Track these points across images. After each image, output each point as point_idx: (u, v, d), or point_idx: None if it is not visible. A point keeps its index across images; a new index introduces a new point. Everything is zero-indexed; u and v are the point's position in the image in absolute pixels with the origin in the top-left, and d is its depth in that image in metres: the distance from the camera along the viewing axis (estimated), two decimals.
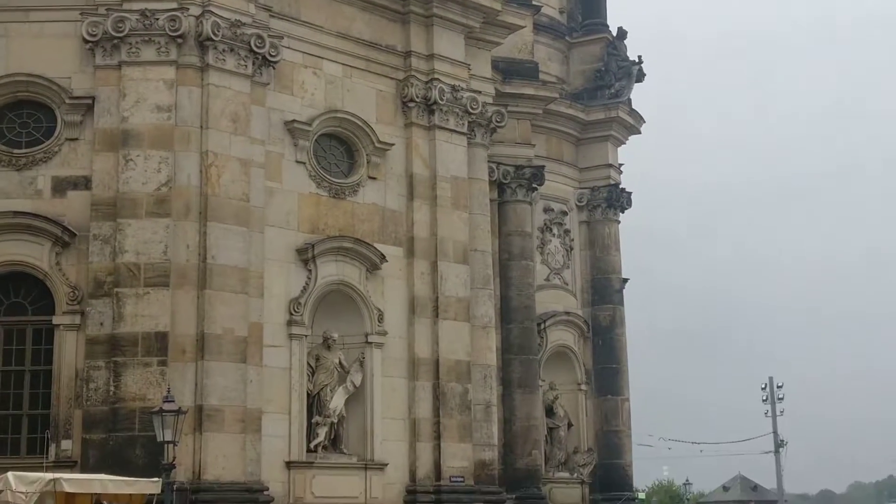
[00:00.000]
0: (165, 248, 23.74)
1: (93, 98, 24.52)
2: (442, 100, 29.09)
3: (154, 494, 19.73)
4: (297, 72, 26.96)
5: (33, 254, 24.07)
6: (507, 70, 34.02)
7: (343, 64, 27.95)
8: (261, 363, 24.80)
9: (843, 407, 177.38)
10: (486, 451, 29.66)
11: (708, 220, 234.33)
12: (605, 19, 41.19)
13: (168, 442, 20.99)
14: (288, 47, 26.51)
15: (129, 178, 23.96)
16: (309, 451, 25.81)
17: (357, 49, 28.23)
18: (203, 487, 23.05)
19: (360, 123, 27.78)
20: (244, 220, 24.78)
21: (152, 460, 21.63)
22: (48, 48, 24.79)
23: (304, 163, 26.76)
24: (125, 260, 23.59)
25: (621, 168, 40.40)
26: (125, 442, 22.75)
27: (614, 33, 40.50)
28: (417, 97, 28.90)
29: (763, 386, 62.27)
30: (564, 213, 38.43)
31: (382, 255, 27.54)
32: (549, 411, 36.57)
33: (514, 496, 31.55)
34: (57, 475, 17.59)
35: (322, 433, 26.10)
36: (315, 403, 26.25)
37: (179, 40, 24.48)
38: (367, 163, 27.96)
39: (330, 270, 26.71)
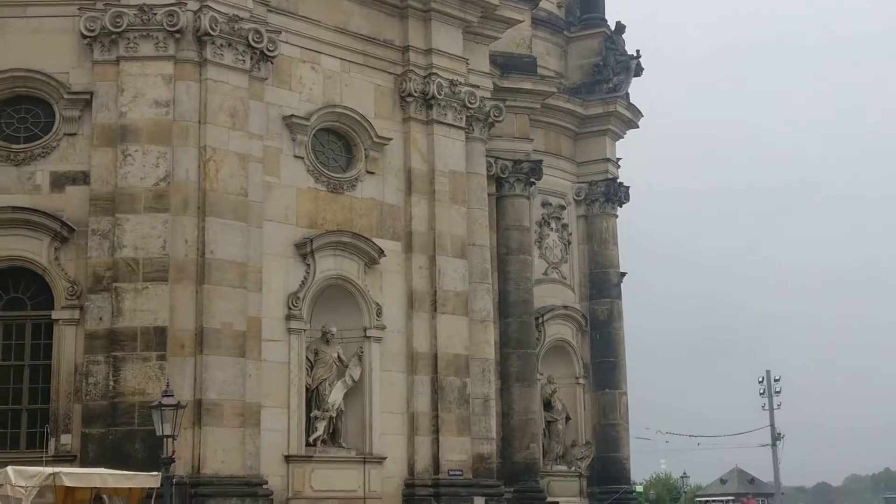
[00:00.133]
0: (164, 243, 23.76)
1: (91, 93, 24.52)
2: (440, 94, 29.08)
3: (153, 488, 19.78)
4: (295, 66, 26.96)
5: (32, 249, 24.09)
6: (505, 64, 34.06)
7: (341, 59, 27.94)
8: (259, 357, 24.83)
9: (839, 407, 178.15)
10: (484, 444, 29.74)
11: (705, 224, 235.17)
12: (604, 13, 41.24)
13: (167, 436, 21.12)
14: (286, 42, 26.49)
15: (128, 173, 23.96)
16: (308, 445, 25.88)
17: (355, 44, 28.22)
18: (202, 481, 23.10)
19: (358, 118, 27.79)
20: (242, 214, 24.79)
21: (151, 454, 21.69)
22: (46, 43, 24.78)
23: (303, 157, 26.77)
24: (124, 255, 23.61)
25: (619, 162, 40.49)
26: (124, 436, 22.79)
27: (612, 28, 40.59)
28: (415, 92, 28.90)
29: (760, 379, 62.35)
30: (562, 208, 38.50)
31: (381, 249, 27.56)
32: (547, 405, 36.69)
33: (512, 489, 31.62)
34: (56, 469, 17.63)
35: (321, 427, 26.16)
36: (314, 398, 26.31)
37: (177, 35, 24.44)
38: (366, 157, 27.97)
39: (328, 265, 26.74)
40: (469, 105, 29.96)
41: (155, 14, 24.29)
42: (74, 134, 24.59)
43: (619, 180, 39.83)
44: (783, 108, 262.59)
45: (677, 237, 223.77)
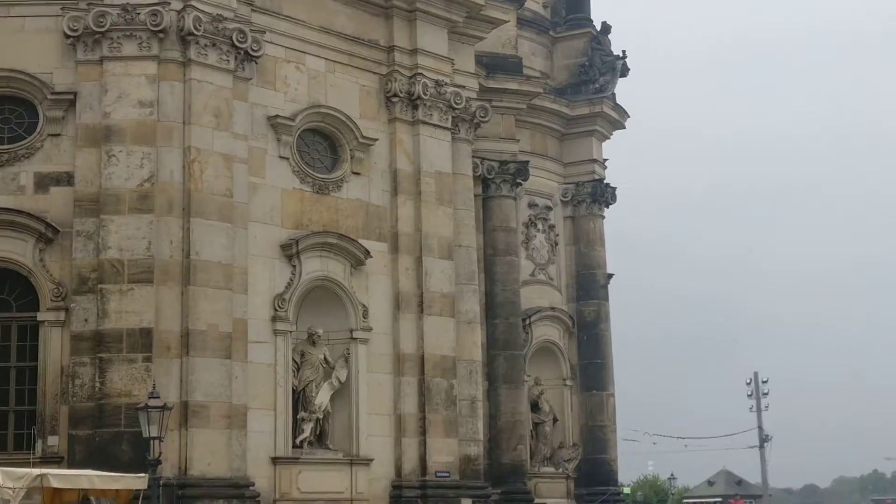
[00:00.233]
0: (149, 244, 23.78)
1: (75, 93, 24.53)
2: (425, 95, 29.16)
3: (140, 490, 19.80)
4: (279, 67, 27.00)
5: (17, 250, 24.07)
6: (491, 65, 34.16)
7: (326, 59, 27.98)
8: (245, 359, 24.88)
9: (829, 407, 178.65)
10: (471, 446, 29.85)
11: (702, 224, 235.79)
12: (590, 14, 41.30)
13: (154, 438, 21.13)
14: (270, 42, 26.51)
15: (112, 174, 23.97)
16: (294, 446, 25.94)
17: (340, 44, 28.28)
18: (189, 483, 23.17)
19: (343, 118, 27.85)
20: (227, 215, 24.82)
21: (138, 456, 21.72)
22: (29, 43, 24.80)
23: (288, 158, 26.82)
24: (109, 256, 23.64)
25: (605, 163, 40.60)
26: (111, 438, 22.85)
27: (598, 28, 40.67)
28: (401, 92, 28.95)
29: (748, 381, 62.58)
30: (549, 209, 38.56)
31: (367, 250, 27.63)
32: (535, 406, 36.76)
33: (499, 491, 31.73)
34: (44, 471, 17.63)
35: (307, 429, 26.23)
36: (300, 399, 26.37)
37: (161, 35, 24.44)
38: (351, 158, 28.04)
39: (314, 266, 26.80)
40: (455, 105, 30.04)
41: (138, 14, 24.28)
42: (58, 134, 24.59)
43: (605, 181, 39.91)
44: (780, 108, 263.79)
45: (673, 237, 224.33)
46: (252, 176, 25.87)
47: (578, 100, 39.27)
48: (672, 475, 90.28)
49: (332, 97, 27.94)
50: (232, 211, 24.97)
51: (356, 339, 27.35)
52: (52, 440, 23.29)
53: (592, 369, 38.82)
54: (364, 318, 27.49)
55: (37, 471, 17.51)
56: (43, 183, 24.41)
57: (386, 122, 29.02)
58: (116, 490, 19.00)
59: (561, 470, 37.36)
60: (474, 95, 31.35)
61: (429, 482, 27.77)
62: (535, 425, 36.77)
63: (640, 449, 69.71)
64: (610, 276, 40.32)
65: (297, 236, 26.42)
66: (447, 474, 28.19)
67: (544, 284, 38.02)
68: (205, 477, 23.50)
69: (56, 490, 17.69)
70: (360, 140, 28.09)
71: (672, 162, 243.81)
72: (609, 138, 40.79)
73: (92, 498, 19.18)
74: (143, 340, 23.40)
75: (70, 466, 21.67)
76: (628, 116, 40.79)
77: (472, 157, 32.33)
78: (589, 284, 39.28)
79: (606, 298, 39.80)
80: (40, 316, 24.03)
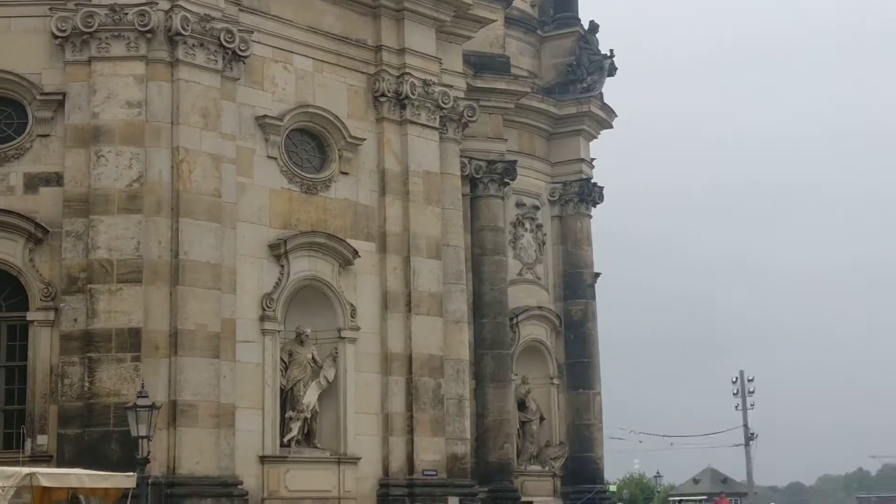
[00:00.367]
0: (138, 245, 23.83)
1: (63, 94, 24.56)
2: (413, 94, 29.24)
3: (129, 489, 19.87)
4: (267, 66, 27.05)
5: (6, 250, 24.10)
6: (479, 64, 34.23)
7: (314, 58, 28.03)
8: (234, 358, 24.95)
9: (815, 406, 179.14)
10: (458, 444, 29.96)
11: (696, 223, 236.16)
12: (577, 13, 41.31)
13: (142, 437, 21.26)
14: (258, 42, 26.56)
15: (101, 174, 24.02)
16: (282, 445, 26.04)
17: (327, 43, 28.34)
18: (177, 482, 23.26)
19: (331, 118, 27.92)
20: (216, 215, 24.88)
21: (127, 455, 21.82)
22: (17, 44, 24.83)
23: (276, 158, 26.89)
24: (98, 256, 23.69)
25: (593, 163, 40.67)
26: (100, 437, 22.93)
27: (586, 27, 40.72)
28: (389, 92, 29.04)
29: (734, 380, 62.76)
30: (536, 208, 38.62)
31: (355, 250, 27.73)
32: (522, 405, 36.88)
33: (486, 489, 31.86)
34: (33, 469, 17.66)
35: (295, 428, 26.33)
36: (288, 398, 26.47)
37: (149, 35, 24.49)
38: (339, 158, 28.12)
39: (302, 266, 26.89)
40: (443, 105, 30.13)
41: (126, 14, 24.32)
42: (47, 135, 24.62)
43: (593, 180, 39.99)
44: (780, 108, 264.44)
45: (672, 236, 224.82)
46: (240, 176, 25.92)
47: (566, 99, 39.31)
48: (658, 473, 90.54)
49: (320, 97, 28.01)
50: (220, 211, 25.03)
51: (344, 338, 27.45)
52: (42, 439, 23.37)
53: (579, 368, 38.92)
54: (352, 317, 27.60)
55: (26, 470, 17.55)
56: (32, 183, 24.45)
57: (374, 121, 29.10)
58: (105, 489, 19.06)
59: (547, 468, 37.51)
60: (462, 95, 31.45)
61: (416, 481, 27.89)
62: (522, 424, 36.90)
63: (626, 447, 70.00)
64: (597, 275, 40.42)
65: (285, 236, 26.50)
66: (434, 473, 28.32)
67: (532, 284, 38.12)
68: (193, 476, 23.59)
69: (45, 489, 17.73)
70: (348, 140, 28.18)
71: (672, 162, 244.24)
72: (596, 138, 40.86)
73: (81, 497, 19.25)
74: (131, 340, 23.46)
75: (59, 465, 21.70)
76: (616, 116, 40.86)
77: (460, 156, 32.41)
78: (576, 284, 39.37)
79: (593, 297, 39.89)
80: (30, 316, 24.10)
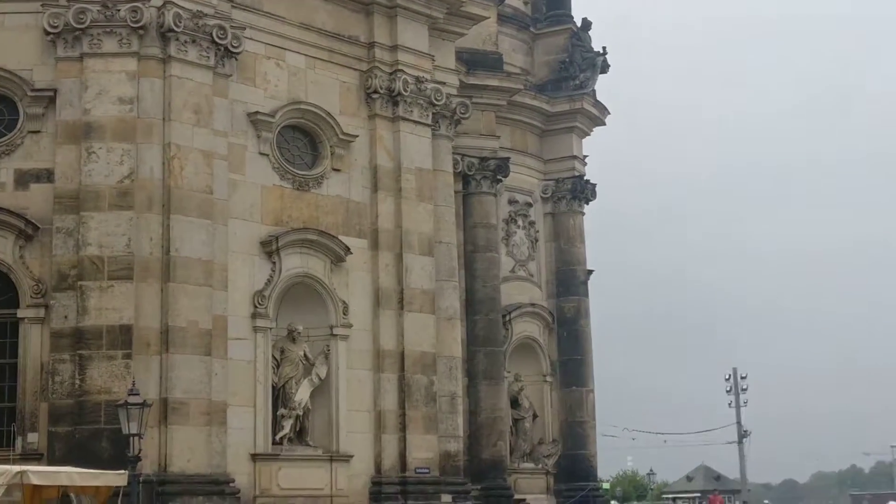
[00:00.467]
0: (129, 241, 23.79)
1: (55, 90, 24.49)
2: (406, 91, 29.20)
3: (120, 487, 19.84)
4: (259, 63, 26.99)
5: None
6: (472, 61, 34.19)
7: (306, 55, 27.97)
8: (225, 356, 24.91)
9: (814, 395, 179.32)
10: (451, 442, 29.93)
11: (681, 210, 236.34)
12: (570, 10, 41.26)
13: (133, 435, 21.22)
14: (250, 38, 26.49)
15: (92, 171, 23.97)
16: (274, 443, 26.00)
17: (320, 40, 28.28)
18: (169, 479, 23.21)
19: (323, 115, 27.87)
20: (207, 212, 24.83)
21: (118, 453, 21.75)
22: (9, 40, 24.76)
23: (268, 155, 26.82)
24: (89, 253, 23.64)
25: (586, 160, 40.66)
26: (91, 435, 22.87)
27: (579, 24, 40.72)
28: (381, 88, 28.98)
29: (727, 377, 62.83)
30: (529, 205, 38.60)
31: (347, 247, 27.68)
32: (514, 403, 36.83)
33: (479, 487, 31.83)
34: (24, 468, 17.64)
35: (287, 425, 26.29)
36: (280, 396, 26.41)
37: (141, 32, 24.44)
38: (331, 154, 28.06)
39: (294, 263, 26.84)
40: (435, 102, 30.10)
41: (118, 10, 24.28)
42: (38, 131, 24.55)
43: (585, 177, 39.98)
44: (758, 97, 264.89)
45: (673, 219, 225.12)
46: (232, 172, 25.88)
47: (558, 96, 39.29)
48: (651, 471, 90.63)
49: (313, 93, 27.94)
50: (212, 207, 24.98)
51: (336, 335, 27.40)
52: (32, 437, 23.29)
53: (572, 365, 38.90)
54: (344, 314, 27.56)
55: (17, 468, 17.53)
56: (23, 180, 24.38)
57: (366, 118, 29.04)
58: (96, 487, 19.05)
59: (540, 466, 37.49)
60: (455, 92, 31.41)
61: (409, 478, 27.87)
62: (515, 421, 36.86)
63: (619, 444, 70.02)
64: (590, 272, 40.42)
65: (276, 233, 26.46)
66: (427, 470, 28.29)
67: (524, 281, 38.12)
68: (184, 473, 23.55)
69: (36, 487, 17.71)
70: (341, 136, 28.13)
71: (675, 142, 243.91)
72: (589, 134, 40.86)
73: (72, 495, 19.23)
74: (122, 337, 23.41)
75: (50, 463, 21.66)
76: (608, 112, 40.84)
77: (453, 153, 32.36)
78: (569, 280, 39.35)
79: (586, 294, 39.86)
80: (20, 313, 24.02)
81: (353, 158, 28.56)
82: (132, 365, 23.28)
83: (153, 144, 24.51)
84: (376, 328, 28.26)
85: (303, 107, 27.67)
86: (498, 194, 36.16)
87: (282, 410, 26.32)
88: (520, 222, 38.20)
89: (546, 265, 39.16)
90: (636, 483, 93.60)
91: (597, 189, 40.46)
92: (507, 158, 35.94)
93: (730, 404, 61.31)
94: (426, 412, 28.63)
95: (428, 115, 29.98)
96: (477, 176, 34.99)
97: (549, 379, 38.31)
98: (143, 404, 21.37)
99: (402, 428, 28.11)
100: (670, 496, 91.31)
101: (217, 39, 25.33)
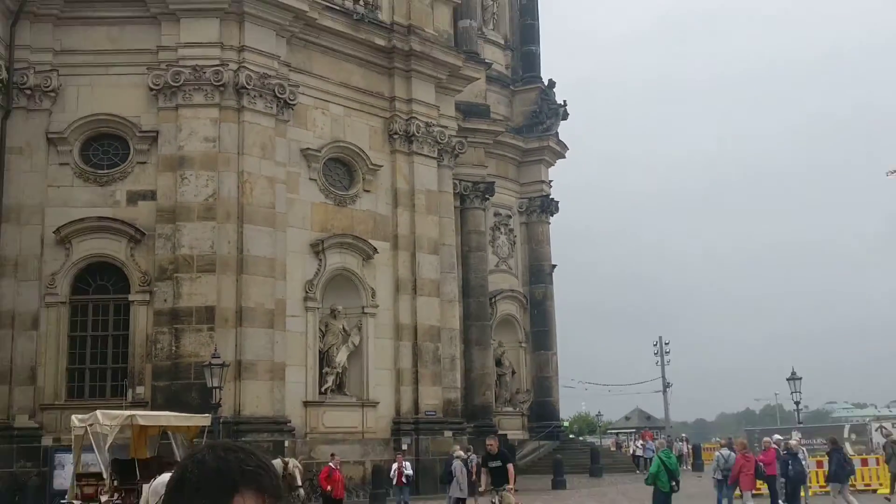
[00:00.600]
0: (212, 244, 23.62)
1: (157, 132, 24.31)
2: (418, 133, 28.99)
3: (205, 426, 19.64)
4: (309, 112, 26.80)
5: (113, 248, 23.91)
6: (467, 111, 34.08)
7: (344, 106, 27.77)
8: (284, 329, 24.73)
9: (716, 359, 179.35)
10: (451, 392, 29.73)
11: (626, 220, 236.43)
12: (540, 73, 41.39)
13: (215, 387, 21.19)
14: (303, 93, 26.34)
15: (185, 192, 23.81)
16: (320, 393, 25.83)
17: (354, 95, 28.08)
18: (242, 421, 23.10)
19: (357, 150, 27.68)
20: (271, 222, 24.67)
21: (204, 401, 21.61)
22: (123, 95, 24.58)
23: (316, 180, 26.63)
24: (182, 252, 23.48)
25: (551, 183, 40.67)
26: (184, 387, 22.72)
27: (546, 83, 40.73)
28: (400, 131, 28.76)
29: (655, 343, 62.62)
30: (509, 217, 38.65)
31: (374, 248, 27.47)
32: (498, 362, 36.84)
33: (472, 425, 31.66)
34: (133, 412, 17.46)
35: (330, 380, 26.10)
36: (324, 358, 26.23)
37: (221, 88, 24.27)
38: (363, 179, 27.86)
39: (335, 260, 26.64)
40: (440, 141, 29.89)
41: (205, 72, 24.15)
42: (144, 162, 24.38)
43: (551, 196, 40.02)
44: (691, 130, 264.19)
45: (629, 229, 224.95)
46: (289, 193, 25.69)
47: (531, 137, 39.44)
48: (599, 412, 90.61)
49: (349, 134, 27.74)
50: (274, 219, 24.80)
51: (366, 313, 27.19)
52: (140, 390, 23.17)
53: (541, 335, 38.92)
54: (372, 298, 27.34)
55: (128, 412, 17.34)
56: (133, 198, 24.21)
57: (389, 153, 28.81)
58: (188, 427, 18.77)
59: (518, 409, 37.44)
60: (454, 133, 31.23)
61: (420, 419, 27.68)
62: (499, 376, 36.82)
63: (575, 393, 69.95)
64: (554, 266, 40.33)
65: (322, 237, 26.24)
66: (434, 413, 28.10)
67: (505, 273, 38.07)
68: (254, 416, 23.43)
69: (142, 427, 17.45)
70: (370, 166, 27.91)
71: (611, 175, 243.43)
72: (553, 165, 40.89)
73: (169, 433, 18.94)
74: (207, 315, 23.27)
75: (153, 409, 21.45)
76: (567, 149, 40.95)
77: (453, 179, 32.17)
78: (538, 272, 39.36)
79: (551, 283, 39.93)
80: (131, 297, 23.88)
81: (379, 182, 28.32)
82: (214, 335, 23.10)
83: (230, 172, 24.29)
84: (396, 308, 28.01)
85: (342, 144, 27.44)
86: (486, 209, 36.13)
87: (326, 369, 26.12)
88: (502, 230, 38.20)
89: (521, 261, 39.14)
90: (588, 421, 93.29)
91: (559, 205, 40.48)
92: (493, 182, 35.88)
93: (656, 363, 61.01)
94: (433, 370, 28.41)
95: (434, 151, 29.75)
96: (470, 195, 34.90)
97: (523, 345, 38.26)
98: (223, 365, 21.24)
99: (415, 381, 27.89)
100: (613, 431, 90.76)
101: (278, 94, 25.14)
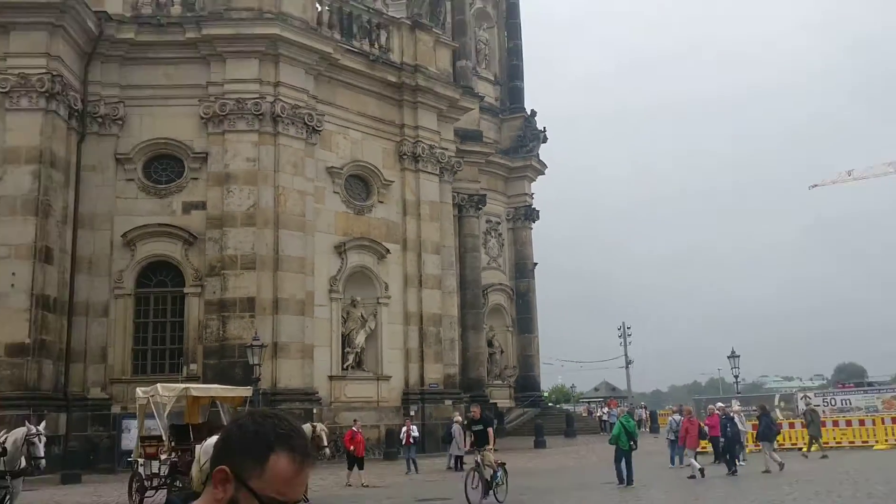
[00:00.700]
0: (253, 246, 23.55)
1: (206, 153, 24.25)
2: (423, 154, 28.90)
3: (247, 397, 19.50)
4: (333, 136, 26.70)
5: (170, 250, 23.86)
6: (464, 135, 33.95)
7: (361, 132, 27.69)
8: (313, 315, 24.64)
9: (670, 340, 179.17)
10: (451, 368, 29.65)
11: (596, 226, 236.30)
12: (524, 104, 41.37)
13: (255, 364, 21.05)
14: (328, 121, 26.24)
15: (230, 203, 23.74)
16: (343, 369, 25.76)
17: (370, 122, 28.00)
18: (278, 392, 23.03)
19: (373, 168, 27.60)
20: (301, 228, 24.59)
21: (246, 376, 21.41)
22: (178, 122, 24.50)
23: (339, 193, 26.54)
24: (228, 253, 23.41)
25: (533, 195, 40.63)
26: (229, 365, 22.63)
27: (529, 112, 40.72)
28: (408, 152, 28.67)
29: (619, 327, 62.60)
30: (498, 223, 38.62)
31: (387, 249, 27.38)
32: (489, 343, 36.80)
33: (468, 395, 31.55)
34: (188, 385, 17.33)
35: (350, 358, 26.04)
36: (346, 340, 26.15)
37: (260, 117, 24.22)
38: (378, 192, 27.76)
39: (355, 259, 26.55)
40: (441, 160, 29.78)
41: (246, 104, 24.09)
42: (196, 178, 24.29)
43: (533, 206, 40.02)
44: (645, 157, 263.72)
45: (586, 233, 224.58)
46: (316, 203, 25.60)
47: (516, 157, 39.39)
48: (573, 385, 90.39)
49: (366, 155, 27.64)
50: (304, 225, 24.72)
51: (381, 303, 27.10)
52: (193, 366, 23.11)
53: (525, 321, 38.87)
54: (385, 290, 27.24)
55: (182, 385, 17.19)
56: (187, 208, 24.12)
57: (399, 170, 28.71)
58: (233, 397, 18.63)
59: (506, 382, 37.38)
60: (453, 154, 31.11)
61: (425, 390, 27.58)
62: (490, 355, 36.77)
63: (553, 369, 69.99)
64: (535, 264, 40.30)
65: (344, 240, 26.16)
66: (436, 385, 28.01)
67: (495, 269, 38.02)
68: (288, 388, 23.35)
69: (195, 398, 17.28)
70: (383, 181, 27.82)
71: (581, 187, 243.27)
72: (535, 181, 40.87)
73: (217, 402, 18.83)
74: (248, 305, 23.19)
75: (204, 383, 21.34)
76: (546, 167, 40.97)
77: (452, 191, 32.07)
78: (523, 269, 39.30)
79: (533, 278, 39.89)
80: (185, 290, 23.82)
81: (391, 195, 28.23)
82: (255, 322, 23.02)
83: (268, 186, 24.21)
84: (405, 299, 27.91)
85: (360, 163, 27.35)
86: (479, 217, 36.09)
87: (347, 349, 26.05)
88: (493, 234, 38.17)
89: (509, 260, 39.09)
90: (564, 392, 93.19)
91: (540, 213, 40.44)
92: (485, 195, 35.85)
93: (620, 344, 60.95)
94: (436, 350, 28.31)
95: (437, 169, 29.65)
96: (466, 206, 34.84)
97: (510, 329, 38.20)
98: (262, 346, 21.15)
99: (421, 359, 27.79)
100: (585, 400, 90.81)
101: (307, 122, 25.07)
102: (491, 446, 14.02)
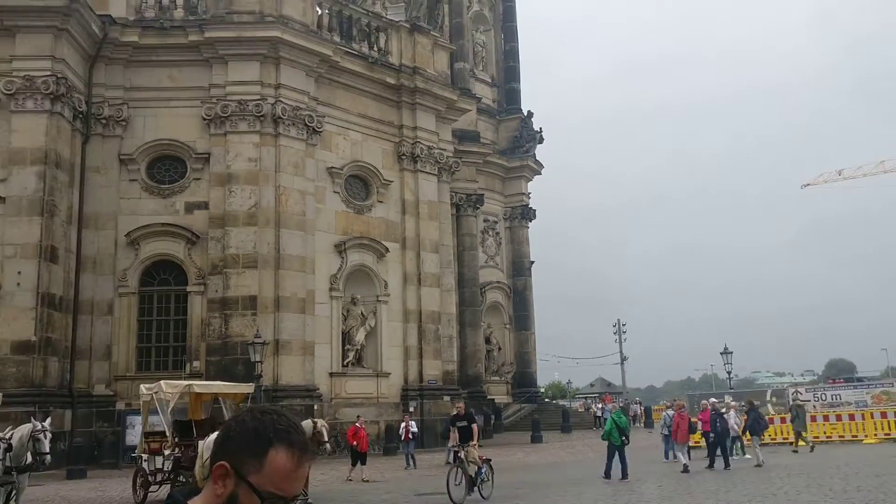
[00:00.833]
0: (254, 245, 23.51)
1: (209, 154, 24.21)
2: (422, 154, 28.86)
3: (249, 393, 19.49)
4: (333, 137, 26.65)
5: (174, 249, 23.81)
6: (461, 136, 33.99)
7: (361, 132, 27.65)
8: (313, 313, 24.60)
9: (663, 338, 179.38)
10: (449, 364, 29.62)
11: (590, 226, 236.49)
12: (520, 105, 41.40)
13: (257, 361, 21.03)
14: (328, 122, 26.19)
15: (232, 202, 23.70)
16: (343, 366, 25.71)
17: (370, 123, 27.96)
18: (279, 388, 23.00)
19: (372, 168, 27.55)
20: (302, 227, 24.55)
21: (248, 373, 21.51)
22: (181, 123, 24.46)
23: (339, 192, 26.49)
24: (230, 252, 23.36)
25: (529, 195, 40.62)
26: (232, 362, 22.62)
27: (525, 114, 40.71)
28: (407, 153, 28.63)
29: (614, 324, 62.62)
30: (496, 222, 38.63)
31: (387, 248, 27.35)
32: (487, 340, 36.82)
33: (466, 391, 31.60)
34: (191, 382, 17.31)
35: (351, 355, 26.00)
36: (346, 337, 26.11)
37: (262, 118, 24.18)
38: (377, 192, 27.73)
39: (355, 257, 26.51)
40: (439, 161, 29.74)
41: (248, 105, 24.05)
42: (199, 178, 24.26)
43: (529, 206, 40.00)
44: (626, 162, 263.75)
45: (581, 232, 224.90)
46: (317, 203, 25.55)
47: (513, 157, 39.39)
48: (569, 381, 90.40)
49: (366, 155, 27.60)
50: (305, 224, 24.68)
51: (380, 301, 27.06)
52: (196, 363, 23.08)
53: (522, 318, 38.86)
54: (385, 288, 27.21)
55: (186, 382, 17.17)
56: (189, 208, 24.08)
57: (398, 170, 28.67)
58: (235, 394, 18.64)
59: (503, 378, 37.39)
60: (451, 154, 31.06)
61: (424, 387, 27.57)
62: (488, 352, 36.81)
63: (550, 365, 70.09)
64: (532, 262, 40.30)
65: (344, 239, 26.12)
66: (435, 381, 28.00)
67: (493, 268, 38.02)
68: (289, 385, 23.33)
69: (198, 394, 17.27)
70: (383, 181, 27.78)
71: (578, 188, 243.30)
72: (531, 180, 40.88)
73: (220, 399, 18.82)
74: (250, 303, 23.16)
75: (206, 380, 21.35)
76: (543, 167, 40.94)
77: (450, 191, 32.04)
78: (520, 267, 39.30)
79: (530, 275, 39.87)
80: (188, 288, 23.77)
81: (390, 195, 28.21)
82: (257, 319, 23.00)
83: (269, 186, 24.18)
84: (404, 296, 27.90)
85: (359, 163, 27.31)
86: (477, 216, 36.10)
87: (347, 346, 26.01)
88: (490, 233, 38.16)
89: (506, 258, 39.09)
90: (560, 388, 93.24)
91: (536, 212, 40.40)
92: (483, 194, 35.84)
93: (615, 341, 60.97)
94: (434, 347, 28.30)
95: (435, 169, 29.63)
96: (464, 205, 34.83)
97: (508, 326, 38.20)
98: (263, 343, 21.11)
99: (420, 356, 27.78)
100: (581, 396, 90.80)
101: (307, 123, 25.03)
102: (474, 442, 13.97)
